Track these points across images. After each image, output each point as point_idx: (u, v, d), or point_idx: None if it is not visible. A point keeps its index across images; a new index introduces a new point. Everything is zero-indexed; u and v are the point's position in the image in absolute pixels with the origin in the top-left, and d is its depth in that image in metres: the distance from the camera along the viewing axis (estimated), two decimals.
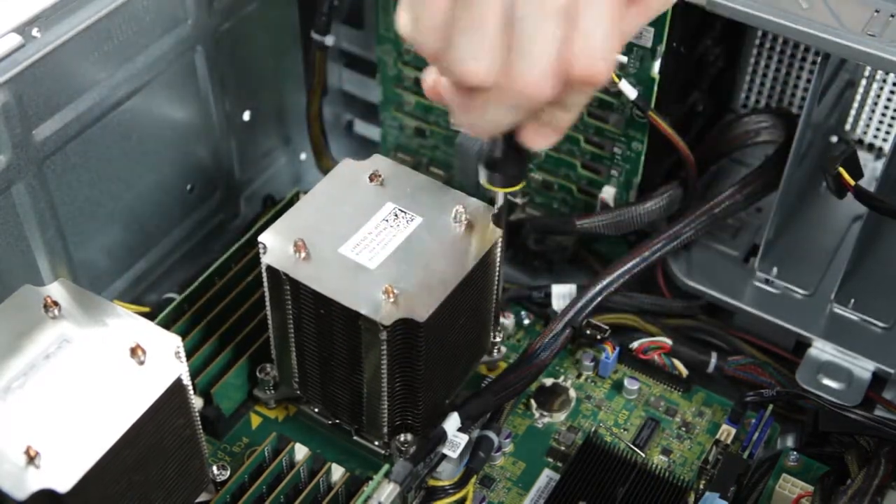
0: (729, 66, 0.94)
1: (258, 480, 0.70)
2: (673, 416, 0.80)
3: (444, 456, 0.70)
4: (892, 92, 0.91)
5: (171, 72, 0.81)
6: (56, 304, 0.63)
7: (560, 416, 0.79)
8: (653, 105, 0.79)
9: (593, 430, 0.78)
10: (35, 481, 0.55)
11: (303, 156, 1.02)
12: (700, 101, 0.90)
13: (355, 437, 0.75)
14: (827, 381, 0.79)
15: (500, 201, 0.68)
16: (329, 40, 0.90)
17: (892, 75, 0.90)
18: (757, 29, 0.90)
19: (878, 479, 0.67)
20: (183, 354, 0.62)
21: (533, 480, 0.75)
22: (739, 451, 0.75)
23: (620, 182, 0.86)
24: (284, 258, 0.68)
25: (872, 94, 0.92)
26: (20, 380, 0.59)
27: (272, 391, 0.77)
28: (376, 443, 0.74)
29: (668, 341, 0.82)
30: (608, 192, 0.86)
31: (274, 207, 0.88)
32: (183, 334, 0.75)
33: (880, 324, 0.81)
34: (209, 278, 0.80)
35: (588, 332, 0.81)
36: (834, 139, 0.93)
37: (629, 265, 0.81)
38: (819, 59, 0.72)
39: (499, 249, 0.71)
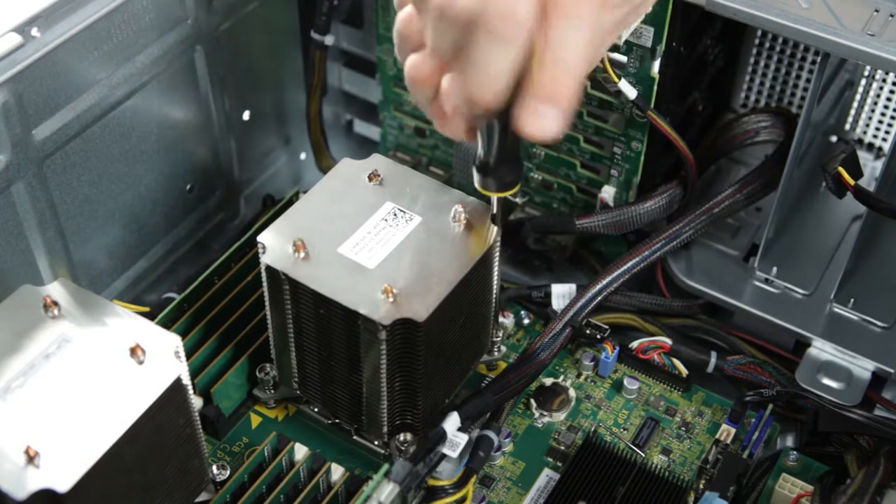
0: (728, 66, 0.94)
1: (258, 480, 0.70)
2: (673, 415, 0.80)
3: (443, 455, 0.70)
4: (891, 92, 0.91)
5: (171, 71, 0.81)
6: (56, 303, 0.63)
7: (560, 416, 0.79)
8: (652, 104, 0.79)
9: (593, 429, 0.78)
10: (35, 481, 0.55)
11: (302, 155, 1.02)
12: (700, 101, 0.90)
13: (355, 437, 0.76)
14: (826, 381, 0.79)
15: (494, 205, 0.68)
16: (329, 40, 0.90)
17: (891, 75, 0.90)
18: (757, 29, 0.90)
19: (878, 478, 0.67)
20: (182, 354, 0.62)
21: (533, 480, 0.75)
22: (739, 451, 0.75)
23: (620, 182, 0.86)
24: (284, 258, 0.68)
25: (872, 93, 0.92)
26: (20, 380, 0.59)
27: (272, 391, 0.77)
28: (376, 442, 0.74)
29: (668, 341, 0.82)
30: (608, 192, 0.86)
31: (274, 207, 0.88)
32: (183, 334, 0.75)
33: (880, 323, 0.81)
34: (209, 278, 0.80)
35: (588, 331, 0.81)
36: (834, 139, 0.93)
37: (629, 265, 0.81)
38: (819, 59, 0.72)
39: (497, 249, 0.71)
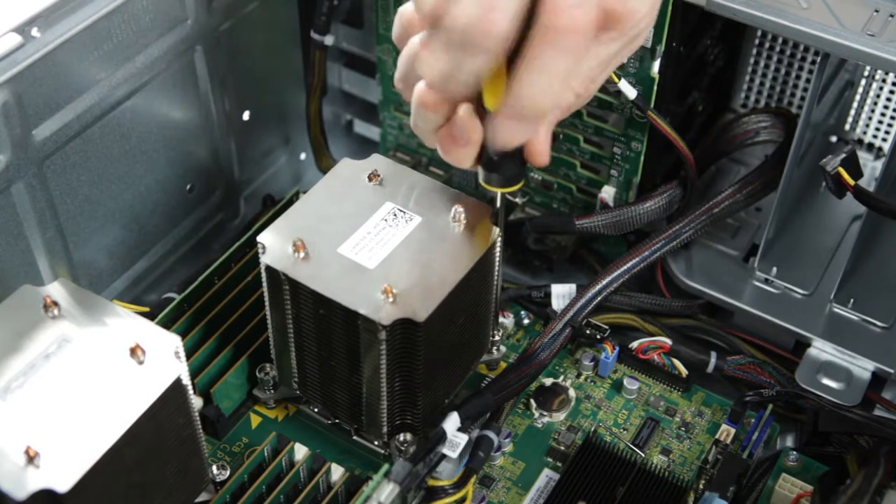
0: (728, 66, 0.94)
1: (258, 480, 0.70)
2: (672, 415, 0.80)
3: (443, 456, 0.70)
4: (891, 92, 0.91)
5: (171, 72, 0.81)
6: (56, 303, 0.63)
7: (560, 416, 0.79)
8: (652, 105, 0.79)
9: (593, 429, 0.78)
10: (35, 481, 0.55)
11: (302, 155, 1.02)
12: (700, 101, 0.90)
13: (355, 437, 0.76)
14: (826, 381, 0.79)
15: (498, 201, 0.68)
16: (329, 40, 0.90)
17: (891, 75, 0.90)
18: (756, 29, 0.90)
19: (878, 478, 0.67)
20: (182, 354, 0.62)
21: (532, 480, 0.75)
22: (739, 451, 0.75)
23: (620, 182, 0.86)
24: (283, 258, 0.68)
25: (872, 94, 0.92)
26: (20, 380, 0.59)
27: (272, 391, 0.77)
28: (376, 442, 0.74)
29: (668, 341, 0.82)
30: (608, 192, 0.86)
31: (274, 207, 0.88)
32: (183, 334, 0.75)
33: (879, 323, 0.81)
34: (209, 278, 0.80)
35: (588, 331, 0.81)
36: (834, 139, 0.93)
37: (629, 265, 0.81)
38: (819, 59, 0.72)
39: (498, 249, 0.71)
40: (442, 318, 0.67)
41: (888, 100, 0.92)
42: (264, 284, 0.70)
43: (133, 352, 0.60)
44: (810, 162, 0.85)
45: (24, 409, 0.58)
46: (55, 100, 0.72)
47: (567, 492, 0.72)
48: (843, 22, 0.68)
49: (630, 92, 0.78)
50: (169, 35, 0.79)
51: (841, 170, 0.72)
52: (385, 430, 0.71)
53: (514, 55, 0.54)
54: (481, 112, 0.59)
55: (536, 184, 0.91)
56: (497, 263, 0.72)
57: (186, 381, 0.63)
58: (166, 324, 0.77)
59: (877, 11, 0.69)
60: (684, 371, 0.81)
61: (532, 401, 0.79)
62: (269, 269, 0.68)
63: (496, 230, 0.70)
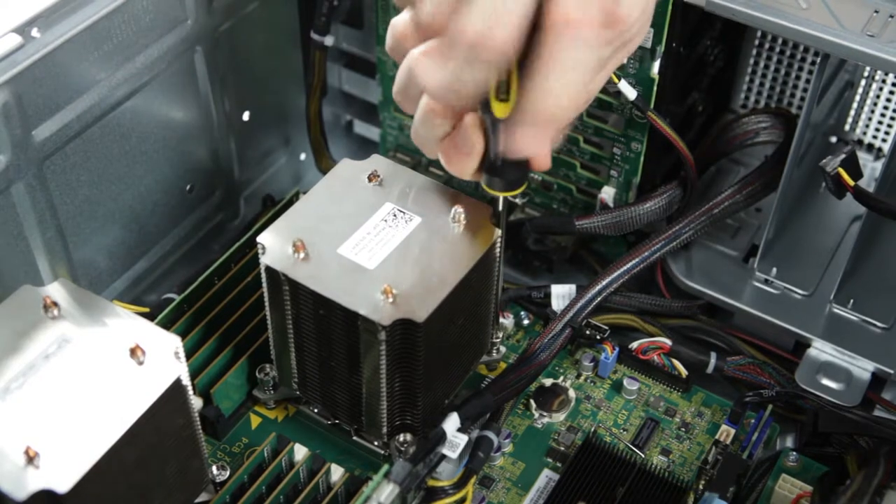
0: (728, 67, 0.94)
1: (258, 481, 0.70)
2: (672, 416, 0.80)
3: (443, 456, 0.70)
4: (891, 92, 0.91)
5: (171, 72, 0.81)
6: (56, 304, 0.63)
7: (559, 417, 0.79)
8: (652, 105, 0.79)
9: (593, 430, 0.78)
10: (35, 481, 0.55)
11: (302, 156, 1.02)
12: (699, 101, 0.90)
13: (355, 438, 0.76)
14: (826, 382, 0.79)
15: (500, 205, 0.68)
16: (329, 40, 0.90)
17: (891, 75, 0.90)
18: (756, 29, 0.90)
19: (878, 479, 0.67)
20: (182, 354, 0.62)
21: (532, 481, 0.75)
22: (739, 452, 0.75)
23: (620, 182, 0.86)
24: (283, 258, 0.68)
25: (872, 94, 0.92)
26: (20, 380, 0.59)
27: (272, 391, 0.77)
28: (376, 443, 0.74)
29: (668, 341, 0.82)
30: (608, 193, 0.86)
31: (273, 207, 0.88)
32: (182, 334, 0.75)
33: (879, 324, 0.81)
34: (209, 278, 0.80)
35: (587, 332, 0.81)
36: (834, 139, 0.93)
37: (628, 265, 0.81)
38: (818, 60, 0.72)
39: (498, 250, 0.71)
40: (442, 318, 0.67)
41: (888, 100, 0.92)
42: (264, 285, 0.70)
43: (133, 352, 0.60)
44: (810, 162, 0.85)
45: (23, 410, 0.58)
46: (55, 100, 0.72)
47: (567, 492, 0.72)
48: (842, 22, 0.68)
49: (630, 92, 0.78)
50: (169, 35, 0.79)
51: (841, 170, 0.72)
52: (385, 430, 0.71)
53: (523, 59, 0.55)
54: (485, 119, 0.59)
55: (536, 184, 0.91)
56: (497, 264, 0.72)
57: (186, 381, 0.63)
58: (166, 324, 0.77)
59: (877, 12, 0.69)
60: (684, 371, 0.81)
61: (532, 401, 0.79)
62: (268, 269, 0.68)
63: (496, 230, 0.70)
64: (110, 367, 0.60)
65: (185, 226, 0.90)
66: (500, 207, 0.68)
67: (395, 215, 0.70)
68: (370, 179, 0.73)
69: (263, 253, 0.68)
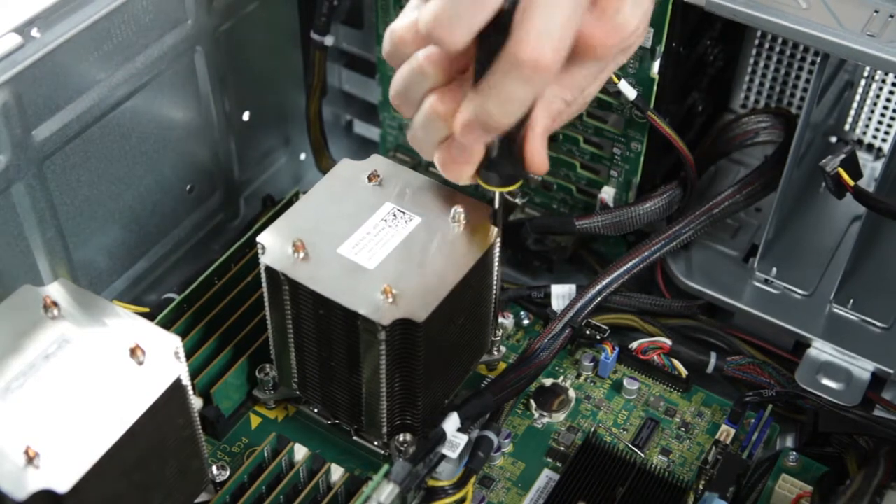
0: (728, 66, 0.94)
1: (258, 481, 0.70)
2: (672, 416, 0.80)
3: (443, 456, 0.70)
4: (891, 92, 0.91)
5: (171, 72, 0.81)
6: (56, 304, 0.63)
7: (559, 417, 0.79)
8: (652, 105, 0.79)
9: (593, 430, 0.78)
10: (35, 481, 0.55)
11: (302, 156, 1.02)
12: (699, 101, 0.90)
13: (355, 438, 0.76)
14: (826, 382, 0.79)
15: (496, 201, 0.68)
16: (329, 40, 0.90)
17: (891, 75, 0.90)
18: (756, 29, 0.90)
19: (877, 479, 0.67)
20: (182, 354, 0.62)
21: (532, 480, 0.75)
22: (739, 452, 0.75)
23: (620, 182, 0.86)
24: (283, 258, 0.68)
25: (872, 94, 0.92)
26: (20, 380, 0.59)
27: (272, 391, 0.77)
28: (376, 443, 0.74)
29: (668, 341, 0.82)
30: (607, 193, 0.86)
31: (273, 207, 0.89)
32: (182, 334, 0.75)
33: (879, 324, 0.81)
34: (209, 278, 0.80)
35: (587, 332, 0.81)
36: (833, 139, 0.93)
37: (628, 265, 0.81)
38: (818, 60, 0.72)
39: (497, 249, 0.71)
40: (441, 318, 0.67)
41: (888, 100, 0.92)
42: (264, 285, 0.70)
43: (133, 352, 0.60)
44: (810, 162, 0.85)
45: (23, 410, 0.58)
46: (55, 100, 0.72)
47: (567, 492, 0.72)
48: (842, 22, 0.68)
49: (630, 92, 0.78)
50: (169, 35, 0.79)
51: (840, 170, 0.72)
52: (385, 430, 0.71)
53: None
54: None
55: (536, 184, 0.91)
56: (497, 263, 0.72)
57: (186, 381, 0.63)
58: (166, 324, 0.77)
59: (877, 12, 0.69)
60: (684, 371, 0.81)
61: (532, 401, 0.79)
62: (268, 269, 0.68)
63: (496, 230, 0.70)
64: (110, 367, 0.60)
65: (185, 226, 0.90)
66: (497, 204, 0.68)
67: (394, 215, 0.70)
68: (370, 179, 0.73)
69: (263, 253, 0.68)
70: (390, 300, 0.65)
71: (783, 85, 0.95)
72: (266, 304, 0.71)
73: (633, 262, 0.81)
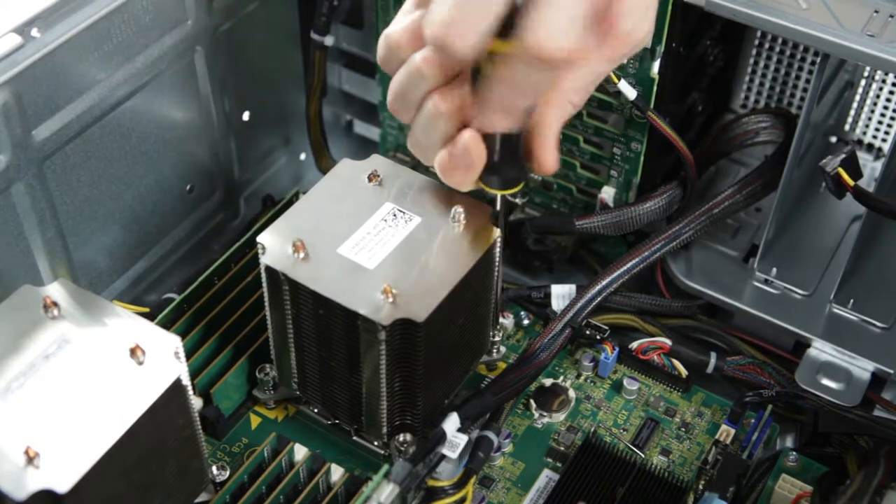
0: (728, 66, 0.94)
1: (258, 481, 0.70)
2: (672, 416, 0.80)
3: (443, 456, 0.70)
4: (891, 92, 0.91)
5: (171, 72, 0.81)
6: (56, 304, 0.63)
7: (559, 417, 0.79)
8: (652, 105, 0.79)
9: (593, 430, 0.78)
10: (35, 481, 0.55)
11: (302, 156, 1.02)
12: (699, 101, 0.90)
13: (355, 438, 0.76)
14: (826, 382, 0.79)
15: (498, 203, 0.68)
16: (329, 40, 0.90)
17: (891, 75, 0.90)
18: (756, 29, 0.90)
19: (877, 479, 0.67)
20: (182, 354, 0.62)
21: (532, 481, 0.75)
22: (739, 452, 0.75)
23: (620, 182, 0.86)
24: (283, 258, 0.68)
25: (872, 94, 0.92)
26: (20, 380, 0.59)
27: (272, 391, 0.77)
28: (376, 443, 0.74)
29: (668, 341, 0.82)
30: (607, 193, 0.86)
31: (274, 207, 0.89)
32: (182, 334, 0.75)
33: (879, 324, 0.81)
34: (209, 278, 0.80)
35: (587, 332, 0.81)
36: (833, 139, 0.93)
37: (628, 265, 0.81)
38: (818, 60, 0.72)
39: (497, 249, 0.71)
40: (441, 318, 0.67)
41: (888, 100, 0.92)
42: (264, 285, 0.70)
43: (133, 352, 0.60)
44: (810, 162, 0.85)
45: (23, 410, 0.58)
46: (55, 100, 0.72)
47: (567, 492, 0.72)
48: (842, 22, 0.68)
49: (630, 92, 0.78)
50: (169, 35, 0.79)
51: (840, 170, 0.72)
52: (385, 430, 0.71)
53: None
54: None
55: (536, 184, 0.91)
56: (497, 264, 0.72)
57: (186, 381, 0.63)
58: (166, 324, 0.77)
59: (877, 12, 0.69)
60: (684, 371, 0.81)
61: (532, 401, 0.79)
62: (268, 269, 0.68)
63: (496, 230, 0.70)
64: (110, 367, 0.60)
65: (185, 226, 0.90)
66: (499, 206, 0.68)
67: (394, 215, 0.70)
68: (370, 179, 0.73)
69: (263, 253, 0.68)
70: (390, 300, 0.65)
71: (783, 85, 0.95)
72: (266, 304, 0.71)
73: (633, 262, 0.81)
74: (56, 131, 0.73)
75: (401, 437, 0.71)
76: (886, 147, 0.94)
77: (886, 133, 0.94)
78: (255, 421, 0.78)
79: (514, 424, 0.79)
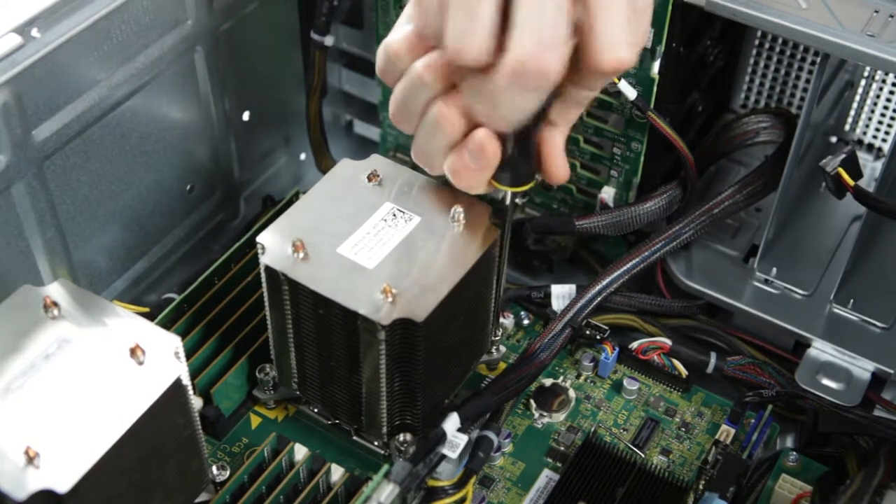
0: (728, 66, 0.94)
1: (258, 480, 0.70)
2: (672, 416, 0.80)
3: (443, 456, 0.70)
4: (891, 92, 0.91)
5: (171, 72, 0.81)
6: (56, 304, 0.63)
7: (559, 417, 0.79)
8: (652, 105, 0.79)
9: (593, 430, 0.78)
10: (35, 481, 0.55)
11: (302, 156, 1.02)
12: (699, 101, 0.90)
13: (355, 437, 0.76)
14: (826, 382, 0.79)
15: (507, 200, 0.67)
16: (329, 40, 0.90)
17: (891, 75, 0.90)
18: (756, 29, 0.90)
19: (877, 479, 0.67)
20: (182, 354, 0.62)
21: (532, 481, 0.75)
22: (739, 452, 0.75)
23: (620, 182, 0.86)
24: (283, 258, 0.68)
25: (872, 94, 0.92)
26: (20, 380, 0.59)
27: (272, 391, 0.77)
28: (376, 443, 0.74)
29: (668, 341, 0.82)
30: (608, 193, 0.86)
31: (273, 207, 0.89)
32: (183, 334, 0.75)
33: (879, 324, 0.81)
34: (209, 278, 0.80)
35: (587, 332, 0.81)
36: (833, 139, 0.93)
37: (629, 265, 0.81)
38: (818, 60, 0.72)
39: (498, 249, 0.71)
40: (441, 318, 0.67)
41: (888, 100, 0.92)
42: (264, 285, 0.70)
43: (133, 352, 0.60)
44: (810, 162, 0.85)
45: (24, 410, 0.58)
46: (55, 100, 0.72)
47: (567, 492, 0.72)
48: (842, 22, 0.68)
49: (630, 92, 0.78)
50: (169, 35, 0.79)
51: (841, 170, 0.72)
52: (385, 430, 0.71)
53: None
54: None
55: (536, 184, 0.90)
56: (498, 263, 0.72)
57: (186, 381, 0.63)
58: (166, 324, 0.77)
59: (877, 12, 0.69)
60: (684, 371, 0.81)
61: (532, 401, 0.79)
62: (268, 269, 0.68)
63: (496, 230, 0.70)
64: (110, 367, 0.60)
65: (185, 226, 0.90)
66: (508, 202, 0.67)
67: (394, 215, 0.70)
68: (370, 179, 0.73)
69: (263, 253, 0.68)
70: (390, 300, 0.65)
71: (783, 85, 0.95)
72: (266, 304, 0.71)
73: (633, 262, 0.82)
74: (56, 131, 0.73)
75: (401, 437, 0.71)
76: (886, 147, 0.94)
77: (886, 133, 0.94)
78: (255, 421, 0.78)
79: (515, 424, 0.79)
